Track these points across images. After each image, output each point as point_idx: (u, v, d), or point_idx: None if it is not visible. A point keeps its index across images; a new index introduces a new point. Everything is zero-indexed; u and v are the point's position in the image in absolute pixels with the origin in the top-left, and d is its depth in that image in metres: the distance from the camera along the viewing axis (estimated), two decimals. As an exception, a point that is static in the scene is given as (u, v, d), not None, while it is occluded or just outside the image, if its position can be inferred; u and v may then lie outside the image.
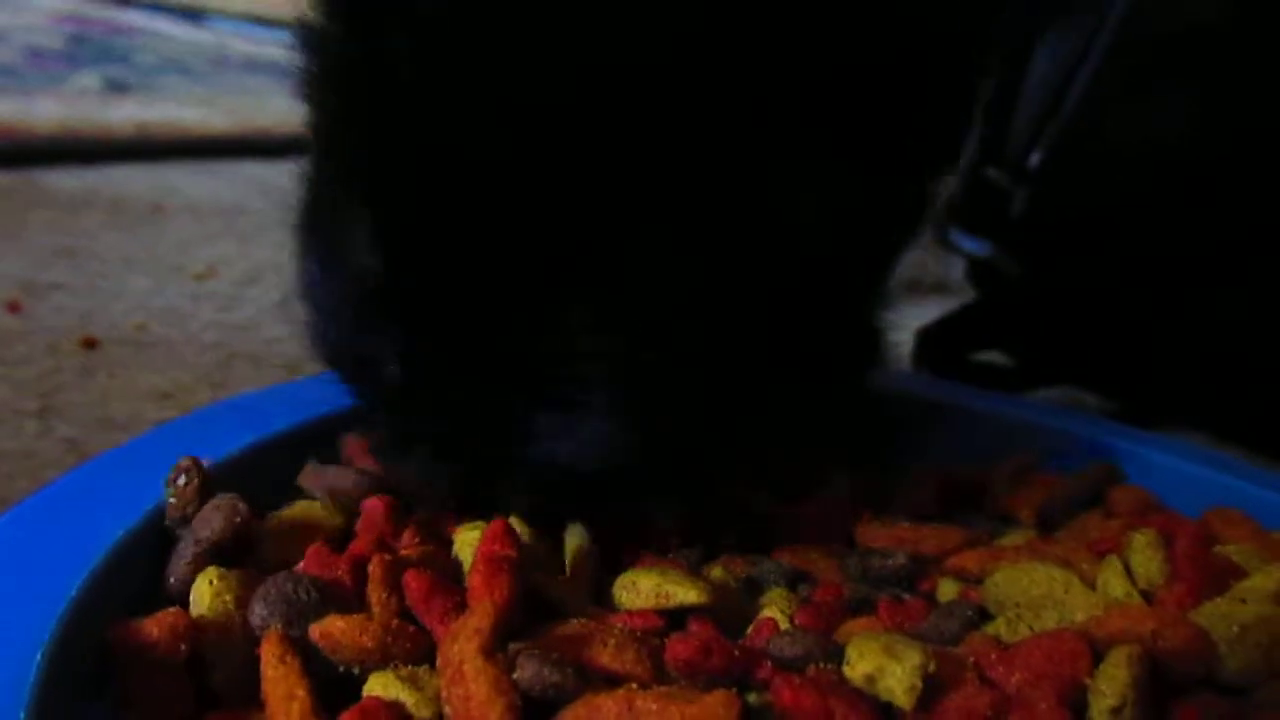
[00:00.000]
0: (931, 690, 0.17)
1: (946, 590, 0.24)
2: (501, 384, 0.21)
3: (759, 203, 0.22)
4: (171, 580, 0.20)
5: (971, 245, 0.57)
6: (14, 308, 0.53)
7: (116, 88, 1.09)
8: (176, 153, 0.91)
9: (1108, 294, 0.50)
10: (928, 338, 0.56)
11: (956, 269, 0.74)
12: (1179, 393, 0.51)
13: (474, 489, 0.23)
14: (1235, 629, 0.19)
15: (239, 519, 0.20)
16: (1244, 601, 0.20)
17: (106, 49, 1.34)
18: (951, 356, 0.55)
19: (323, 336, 0.25)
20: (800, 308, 0.24)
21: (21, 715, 0.15)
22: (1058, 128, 0.51)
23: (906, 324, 0.57)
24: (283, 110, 1.28)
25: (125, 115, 0.96)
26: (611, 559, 0.25)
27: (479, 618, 0.17)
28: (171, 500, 0.21)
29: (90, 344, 0.50)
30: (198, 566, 0.20)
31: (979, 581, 0.24)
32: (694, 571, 0.22)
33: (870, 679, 0.17)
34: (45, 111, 0.92)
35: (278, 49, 1.64)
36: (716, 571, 0.23)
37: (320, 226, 0.25)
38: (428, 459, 0.22)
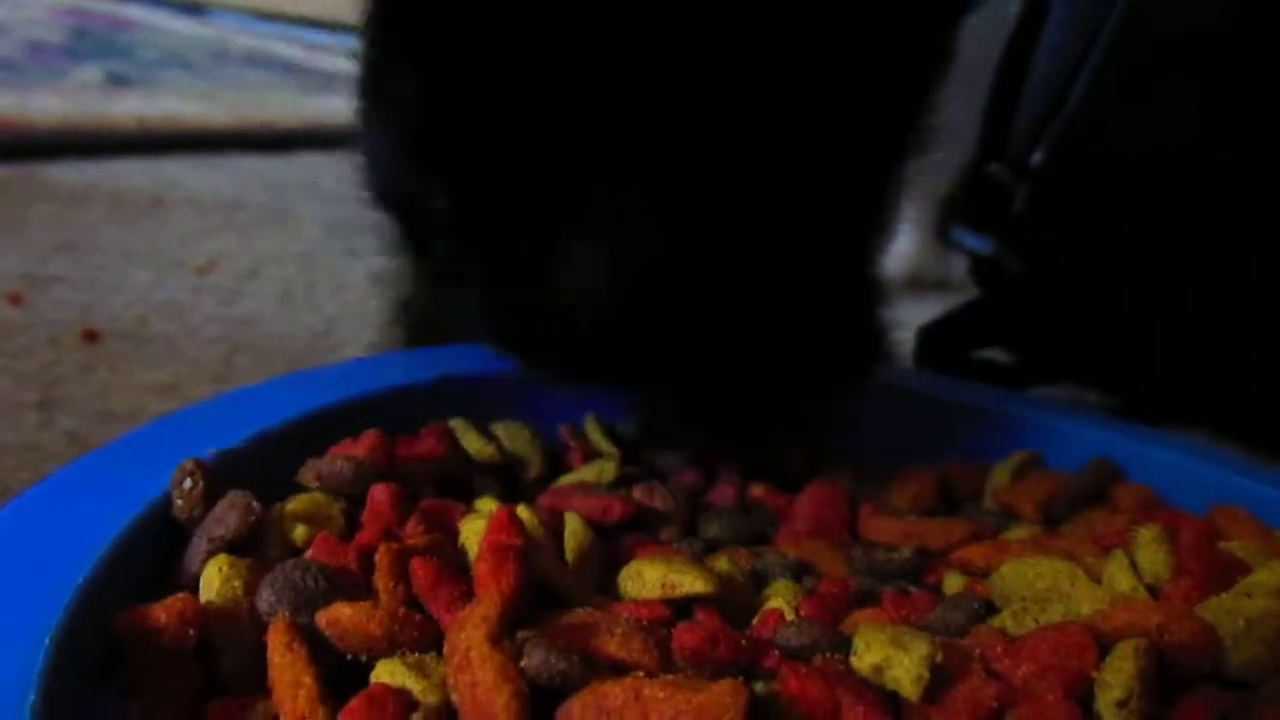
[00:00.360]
0: (938, 681, 0.17)
1: (952, 583, 0.24)
2: (534, 217, 0.25)
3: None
4: (184, 578, 0.20)
5: (974, 242, 0.57)
6: (15, 300, 0.53)
7: (117, 82, 1.09)
8: (177, 146, 0.91)
9: (1109, 291, 0.50)
10: (929, 336, 0.56)
11: (958, 267, 0.74)
12: (1180, 389, 0.51)
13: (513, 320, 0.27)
14: (1241, 623, 0.20)
15: (253, 517, 0.21)
16: (1249, 596, 0.20)
17: (107, 43, 1.34)
18: (953, 354, 0.55)
19: (376, 182, 0.29)
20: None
21: (31, 700, 0.15)
22: (1059, 126, 0.51)
23: (908, 322, 0.57)
24: (283, 104, 1.27)
25: (126, 109, 0.96)
26: (614, 552, 0.25)
27: (486, 605, 0.17)
28: (179, 502, 0.21)
29: (91, 337, 0.50)
30: (211, 562, 0.20)
31: (985, 575, 0.24)
32: (699, 562, 0.22)
33: (877, 669, 0.17)
34: (46, 105, 0.91)
35: (279, 43, 1.65)
36: (721, 563, 0.23)
37: (374, 95, 0.29)
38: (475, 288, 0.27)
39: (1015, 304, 0.56)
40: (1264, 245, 0.45)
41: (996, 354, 0.56)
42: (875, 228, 0.32)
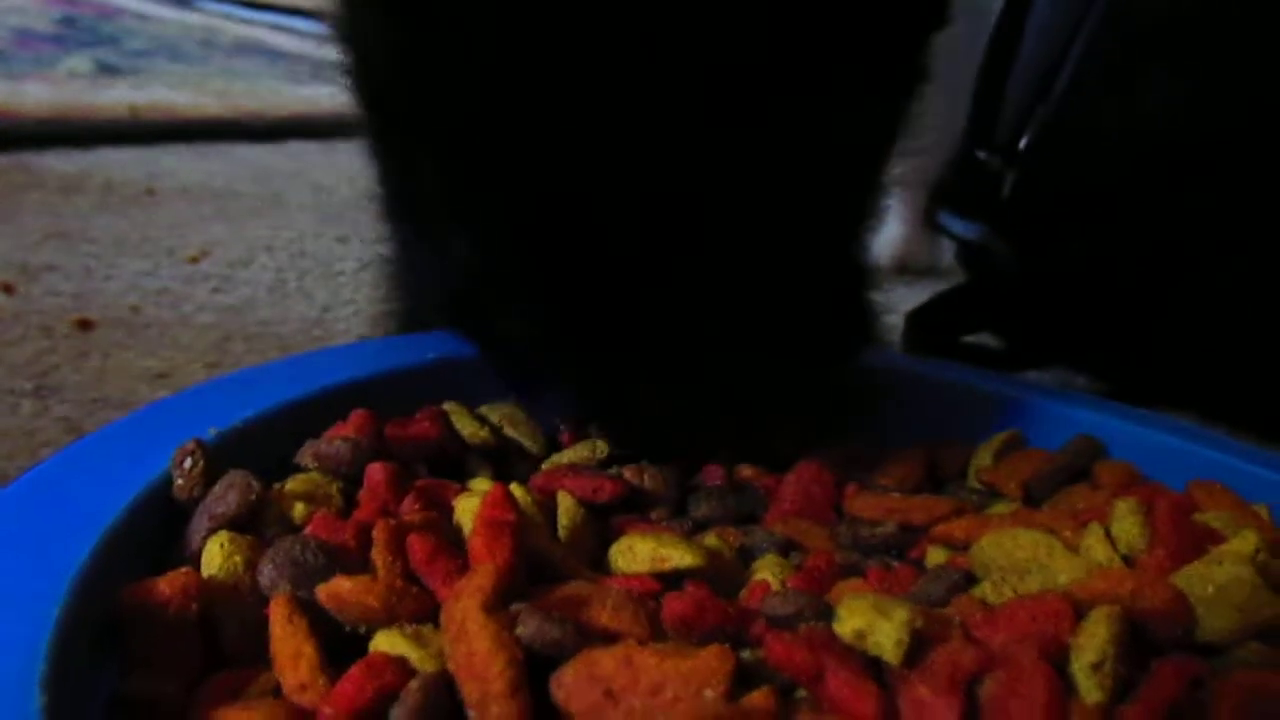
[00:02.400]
0: (919, 646, 0.18)
1: (934, 557, 0.24)
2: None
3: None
4: (187, 554, 0.21)
5: (961, 228, 0.57)
6: (8, 289, 0.53)
7: (107, 71, 1.09)
8: (167, 136, 0.91)
9: (1097, 275, 0.51)
10: (917, 320, 0.57)
11: (946, 253, 0.74)
12: (1168, 373, 0.51)
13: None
14: (1211, 590, 0.20)
15: (253, 496, 0.21)
16: (1220, 563, 0.21)
17: (96, 32, 1.33)
18: (941, 339, 0.56)
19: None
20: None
21: (41, 669, 0.16)
22: (1047, 111, 0.51)
23: (897, 307, 0.58)
24: (273, 93, 1.27)
25: (116, 98, 0.96)
26: (605, 531, 0.25)
27: (481, 576, 0.18)
28: (179, 482, 0.22)
29: (85, 325, 0.50)
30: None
31: (966, 549, 0.24)
32: (688, 538, 0.23)
33: (860, 635, 0.18)
34: (36, 94, 0.91)
35: (267, 31, 1.64)
36: (710, 540, 0.24)
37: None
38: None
39: (1003, 289, 0.56)
40: (1250, 229, 0.46)
41: (985, 339, 0.56)
42: (864, 214, 0.33)
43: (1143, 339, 0.51)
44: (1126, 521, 0.23)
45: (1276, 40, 0.42)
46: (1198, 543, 0.22)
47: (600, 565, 0.23)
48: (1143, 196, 0.48)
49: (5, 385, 0.44)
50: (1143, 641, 0.20)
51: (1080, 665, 0.18)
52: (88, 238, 0.63)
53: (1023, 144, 0.53)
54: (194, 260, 0.62)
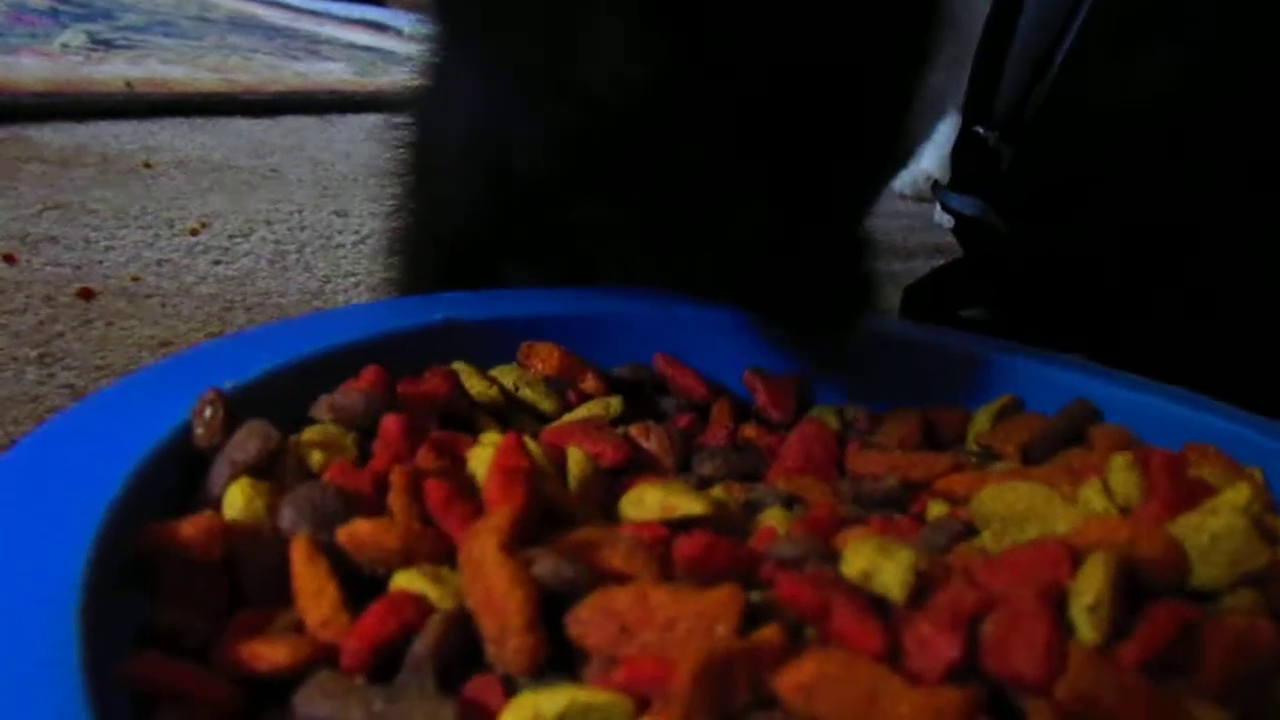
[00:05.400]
0: (923, 587, 0.18)
1: (935, 510, 0.25)
2: None
3: None
4: (209, 500, 0.21)
5: (960, 203, 0.58)
6: (10, 259, 0.53)
7: (102, 45, 1.08)
8: (163, 110, 0.90)
9: (1092, 251, 0.51)
10: (915, 293, 0.57)
11: (944, 232, 0.75)
12: (1159, 349, 0.52)
13: None
14: (1205, 539, 0.21)
15: (272, 444, 0.21)
16: (1214, 514, 0.21)
17: (90, 6, 1.32)
18: (937, 312, 0.56)
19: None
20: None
21: (78, 602, 0.16)
22: (1045, 88, 0.52)
23: (896, 281, 0.58)
24: (268, 68, 1.26)
25: (112, 72, 0.96)
26: (613, 487, 0.26)
27: (498, 517, 0.18)
28: (199, 431, 0.22)
29: (88, 295, 0.50)
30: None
31: (966, 503, 0.25)
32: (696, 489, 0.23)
33: (866, 575, 0.18)
34: (32, 68, 0.91)
35: (261, 7, 1.63)
36: (716, 492, 0.24)
37: None
38: None
39: (999, 264, 0.57)
40: (1248, 205, 0.46)
41: (980, 314, 0.57)
42: (868, 187, 0.33)
43: (1137, 315, 0.52)
44: (1122, 475, 0.23)
45: (1276, 8, 0.43)
46: (1192, 495, 0.23)
47: (610, 516, 0.23)
48: (1140, 172, 0.48)
49: (9, 353, 0.44)
50: (1138, 587, 0.20)
51: (1078, 607, 0.19)
52: (87, 209, 0.63)
53: (1021, 120, 0.53)
54: (194, 232, 0.62)
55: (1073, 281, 0.53)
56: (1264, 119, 0.44)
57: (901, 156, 0.32)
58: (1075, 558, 0.20)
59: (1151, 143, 0.47)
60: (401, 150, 0.37)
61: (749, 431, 0.30)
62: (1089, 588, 0.19)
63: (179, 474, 0.21)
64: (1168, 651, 0.19)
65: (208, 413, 0.21)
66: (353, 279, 0.59)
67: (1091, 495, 0.23)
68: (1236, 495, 0.22)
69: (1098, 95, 0.50)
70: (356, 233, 0.67)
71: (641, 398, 0.31)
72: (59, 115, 0.82)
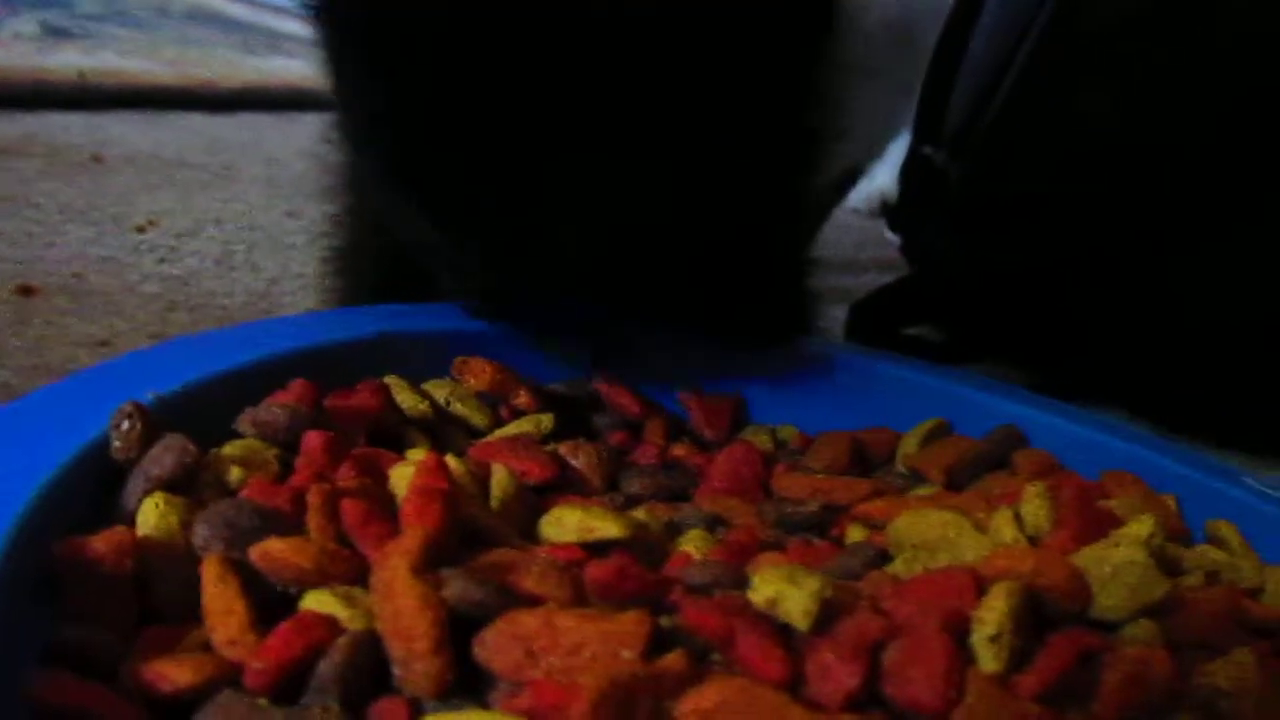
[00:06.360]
0: (828, 615, 0.19)
1: (854, 535, 0.25)
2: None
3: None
4: (121, 516, 0.21)
5: (906, 222, 0.59)
6: (-52, 252, 0.52)
7: (55, 33, 1.07)
8: (117, 102, 0.89)
9: (1036, 271, 0.52)
10: (861, 310, 0.58)
11: (892, 247, 0.76)
12: (1099, 369, 0.53)
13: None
14: (1108, 569, 0.21)
15: (189, 459, 0.21)
16: (1117, 545, 0.22)
17: (44, -7, 1.30)
18: (883, 329, 0.57)
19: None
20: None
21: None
22: (994, 110, 0.53)
23: (847, 296, 0.59)
24: (226, 63, 1.24)
25: (64, 62, 0.94)
26: (539, 506, 0.26)
27: (410, 539, 0.18)
28: (117, 443, 0.22)
29: (27, 291, 0.50)
30: (148, 500, 0.21)
31: (884, 528, 0.25)
32: (617, 511, 0.24)
33: (772, 602, 0.19)
34: (-20, 55, 0.89)
35: (220, 0, 1.61)
36: (639, 514, 0.25)
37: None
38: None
39: (945, 282, 0.58)
40: (1188, 230, 0.47)
41: (926, 331, 0.58)
42: (801, 211, 0.34)
43: (1076, 335, 0.53)
44: (1034, 504, 0.24)
45: (1216, 50, 0.44)
46: (1100, 526, 0.24)
47: (531, 536, 0.24)
48: (1081, 198, 0.49)
49: (-57, 349, 0.43)
50: (1041, 616, 0.21)
51: (980, 636, 0.19)
52: (31, 203, 0.62)
53: (969, 141, 0.54)
54: (141, 230, 0.61)
55: (1014, 301, 0.54)
56: (1201, 150, 0.46)
57: (837, 182, 0.32)
58: (980, 587, 0.20)
59: (1092, 170, 0.49)
60: (338, 160, 0.37)
61: (680, 450, 0.30)
62: (991, 617, 0.19)
63: (95, 487, 0.21)
64: (1067, 680, 0.19)
65: (125, 425, 0.21)
66: (300, 280, 0.59)
67: (1002, 524, 0.24)
68: (1140, 528, 0.22)
69: (1043, 121, 0.51)
70: (308, 233, 0.67)
71: (577, 414, 0.31)
72: (6, 104, 0.80)
